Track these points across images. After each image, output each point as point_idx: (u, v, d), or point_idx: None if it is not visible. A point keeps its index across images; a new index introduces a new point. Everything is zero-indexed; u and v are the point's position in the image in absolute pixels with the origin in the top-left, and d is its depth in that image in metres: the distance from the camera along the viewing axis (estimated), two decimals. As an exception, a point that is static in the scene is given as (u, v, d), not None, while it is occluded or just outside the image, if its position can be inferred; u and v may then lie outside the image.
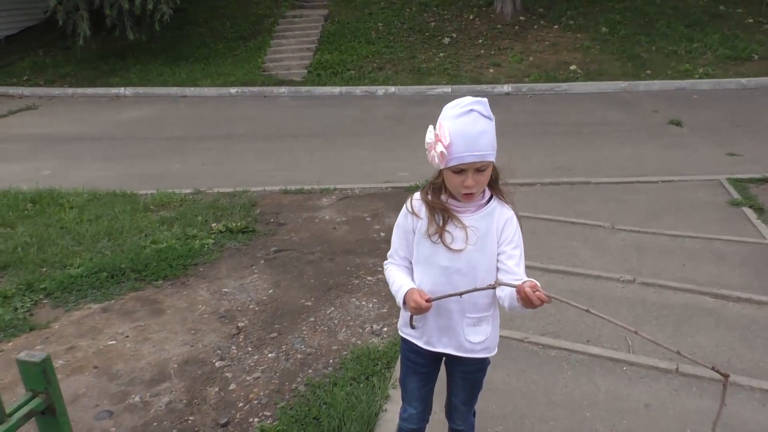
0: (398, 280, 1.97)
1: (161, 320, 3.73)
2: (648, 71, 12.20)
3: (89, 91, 12.45)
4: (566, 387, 2.82)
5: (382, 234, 4.99)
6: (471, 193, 1.85)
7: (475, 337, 2.00)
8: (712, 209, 5.49)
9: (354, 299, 3.93)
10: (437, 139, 1.80)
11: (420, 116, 9.92)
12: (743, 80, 11.59)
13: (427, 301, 1.82)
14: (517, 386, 2.84)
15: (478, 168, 1.79)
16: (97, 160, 7.86)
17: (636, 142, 8.08)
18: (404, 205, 2.01)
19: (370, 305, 3.83)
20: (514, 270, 1.89)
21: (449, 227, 1.91)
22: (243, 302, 3.95)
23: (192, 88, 12.16)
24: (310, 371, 3.16)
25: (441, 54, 13.14)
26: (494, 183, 1.93)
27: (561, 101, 10.97)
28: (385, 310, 3.74)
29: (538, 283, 1.70)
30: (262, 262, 4.56)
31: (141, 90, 12.31)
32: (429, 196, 1.94)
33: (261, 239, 4.98)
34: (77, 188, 6.27)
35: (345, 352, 3.31)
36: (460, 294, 1.80)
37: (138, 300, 3.99)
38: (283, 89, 11.95)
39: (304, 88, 11.94)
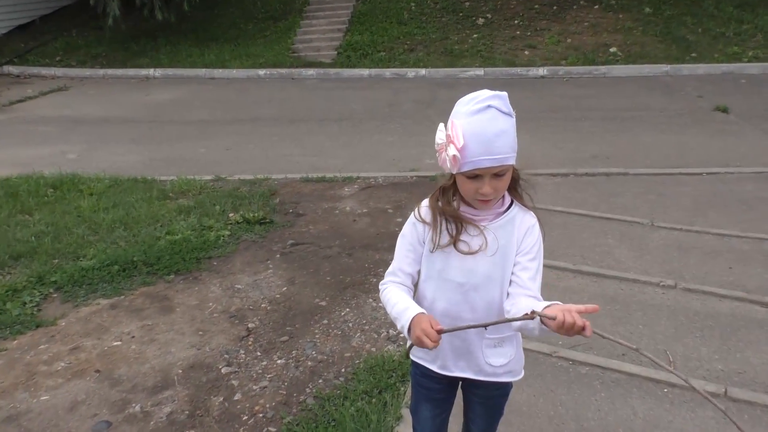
0: (401, 301, 1.69)
1: (170, 319, 3.57)
2: (693, 54, 11.59)
3: (119, 72, 12.41)
4: (599, 411, 2.56)
5: (405, 228, 4.74)
6: (488, 200, 1.61)
7: (496, 359, 1.76)
8: (762, 205, 5.10)
9: (371, 300, 3.70)
10: (449, 140, 1.54)
11: (450, 100, 9.38)
12: (796, 63, 10.92)
13: (438, 332, 1.57)
14: (543, 408, 2.59)
15: (497, 173, 1.56)
16: (123, 143, 7.77)
17: (679, 130, 7.64)
18: (412, 214, 1.76)
19: (388, 307, 3.60)
20: (528, 285, 1.65)
21: (464, 236, 1.67)
22: (255, 300, 3.76)
23: (220, 70, 12.01)
24: (320, 381, 2.96)
25: (475, 35, 12.71)
26: (514, 187, 1.70)
27: (599, 85, 10.50)
28: (403, 314, 3.50)
29: (575, 309, 1.43)
30: (278, 256, 4.37)
31: (170, 71, 12.21)
32: (440, 203, 1.70)
33: (278, 231, 4.79)
34: (99, 174, 6.17)
35: (358, 361, 3.09)
36: (485, 326, 1.55)
37: (148, 296, 3.84)
38: (311, 71, 11.72)
39: (332, 71, 11.69)
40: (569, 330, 1.42)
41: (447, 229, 1.67)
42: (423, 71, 11.39)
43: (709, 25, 12.58)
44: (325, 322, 3.49)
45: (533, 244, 1.68)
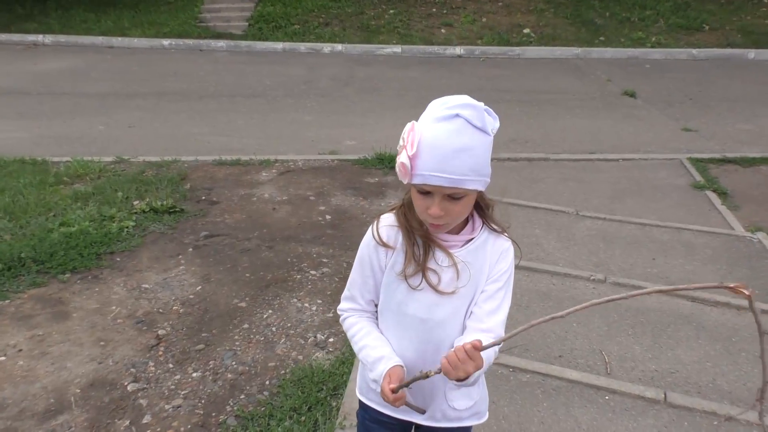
0: (373, 347, 1.46)
1: (65, 327, 3.15)
2: (602, 38, 11.92)
3: (2, 37, 11.24)
4: (542, 424, 2.44)
5: (328, 217, 4.48)
6: (438, 224, 1.36)
7: (461, 402, 1.54)
8: (675, 192, 5.24)
9: (295, 299, 3.43)
10: (403, 144, 1.30)
11: (368, 78, 9.35)
12: (694, 51, 11.47)
13: (393, 391, 1.35)
14: (486, 423, 2.43)
15: (450, 194, 1.30)
16: (7, 119, 6.99)
17: (592, 114, 7.80)
18: (368, 231, 1.48)
19: (314, 308, 3.34)
20: (485, 319, 1.40)
21: (432, 264, 1.41)
22: (165, 302, 3.40)
23: (120, 39, 11.13)
24: (242, 397, 2.67)
25: (391, 11, 12.47)
26: (483, 212, 1.46)
27: (514, 66, 10.58)
28: (330, 315, 3.27)
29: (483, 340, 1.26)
30: (191, 250, 3.99)
31: (62, 38, 11.19)
32: (405, 218, 1.42)
33: (190, 221, 4.39)
34: (-22, 154, 5.48)
35: (284, 371, 2.83)
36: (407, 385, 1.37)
37: (38, 300, 3.38)
38: (221, 43, 11.07)
39: (244, 43, 11.10)
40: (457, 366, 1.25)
41: (414, 253, 1.42)
42: (339, 47, 11.04)
43: (615, 9, 12.98)
44: (246, 326, 3.19)
45: (504, 271, 1.45)
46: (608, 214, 4.63)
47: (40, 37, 11.16)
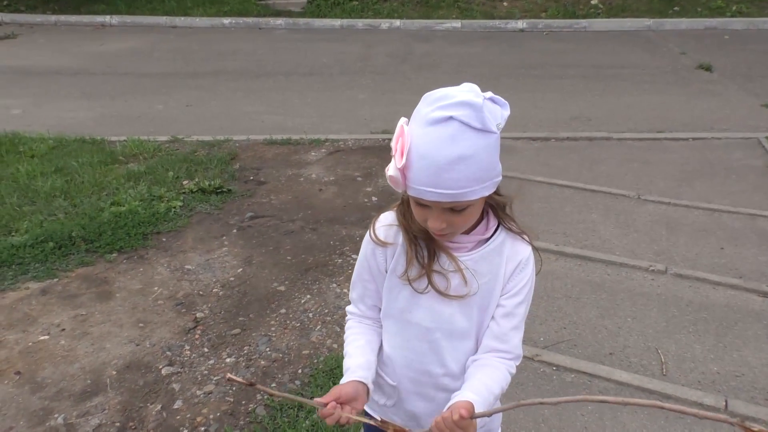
0: (350, 355, 1.34)
1: (107, 307, 3.18)
2: (676, 8, 11.19)
3: (72, 18, 11.56)
4: (586, 429, 2.27)
5: (374, 199, 4.37)
6: (442, 234, 1.20)
7: None
8: (751, 174, 4.83)
9: (334, 284, 3.35)
10: (394, 149, 1.12)
11: (426, 54, 9.11)
12: (781, 20, 10.61)
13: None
14: (524, 426, 2.28)
15: (451, 207, 1.13)
16: (73, 98, 7.18)
17: (662, 89, 7.31)
18: (367, 233, 1.34)
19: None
20: (506, 338, 1.27)
21: (437, 267, 1.26)
22: (206, 284, 3.39)
23: (182, 18, 11.26)
24: (273, 385, 2.62)
25: (452, -16, 12.09)
26: (499, 211, 1.28)
27: (580, 40, 10.07)
28: (369, 303, 3.17)
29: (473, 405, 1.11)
30: (235, 231, 3.97)
31: (128, 19, 11.41)
32: (405, 218, 1.26)
33: (236, 202, 4.38)
34: (42, 133, 5.64)
35: (317, 360, 2.75)
36: None
37: (85, 279, 3.43)
38: (280, 21, 11.04)
39: (302, 20, 11.03)
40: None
41: (417, 254, 1.27)
42: (397, 22, 10.81)
43: (693, -23, 12.13)
44: (283, 311, 3.13)
45: (524, 284, 1.28)
46: (674, 198, 4.32)
47: (107, 18, 11.43)
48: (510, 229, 1.28)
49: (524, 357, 2.63)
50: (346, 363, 1.33)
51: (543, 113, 6.35)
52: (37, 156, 5.18)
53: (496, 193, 1.22)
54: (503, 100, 1.13)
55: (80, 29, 11.20)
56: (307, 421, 2.35)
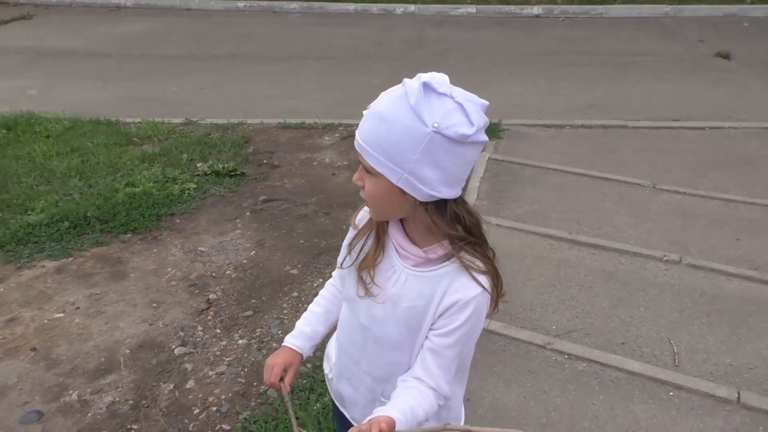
0: (305, 315, 1.48)
1: (121, 287, 3.21)
2: (696, -6, 11.01)
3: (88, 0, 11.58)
4: (597, 418, 2.27)
5: (387, 185, 4.37)
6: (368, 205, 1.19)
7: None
8: (768, 165, 4.77)
9: (347, 269, 3.36)
10: None
11: (440, 39, 9.04)
12: (803, 8, 10.42)
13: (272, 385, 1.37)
14: (534, 413, 2.29)
15: (364, 165, 1.10)
16: (88, 79, 7.21)
17: (679, 77, 7.22)
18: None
19: (365, 279, 3.26)
20: (430, 372, 1.19)
21: (384, 264, 1.20)
22: (219, 266, 3.41)
23: (197, 1, 11.24)
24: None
25: (468, -31, 11.96)
26: (457, 241, 1.13)
27: (596, 26, 9.96)
28: (381, 287, 3.17)
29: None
30: (248, 214, 3.99)
31: (143, 1, 11.41)
32: None
33: (250, 185, 4.39)
34: (58, 114, 5.67)
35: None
36: None
37: (99, 259, 3.46)
38: (294, 5, 11.00)
39: (316, 4, 10.97)
40: None
41: (363, 244, 1.23)
42: (412, 7, 10.73)
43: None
44: (295, 294, 3.15)
45: (457, 327, 1.15)
46: (689, 188, 4.28)
47: (122, 0, 11.43)
48: (466, 265, 1.14)
49: (535, 344, 2.64)
50: (297, 324, 1.45)
51: (558, 100, 6.30)
52: (53, 136, 5.21)
53: (461, 224, 1.11)
54: (476, 119, 1.02)
55: (95, 10, 11.21)
56: (318, 404, 2.37)
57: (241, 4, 11.06)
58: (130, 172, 4.48)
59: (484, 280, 1.14)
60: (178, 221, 3.89)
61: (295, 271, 3.36)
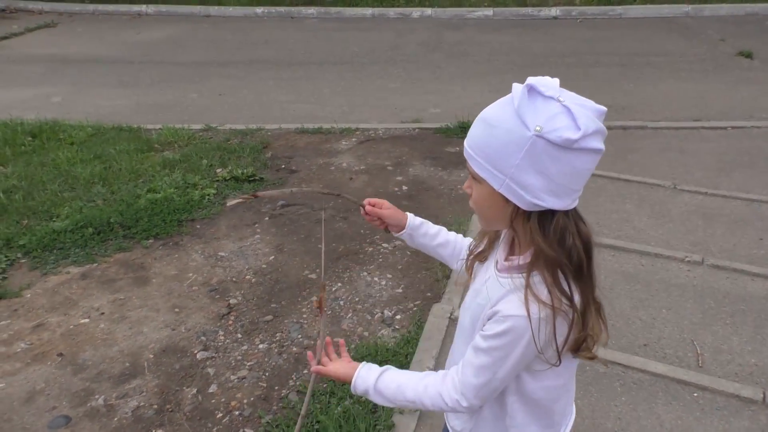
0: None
1: (144, 292, 3.26)
2: (717, -7, 10.87)
3: (110, 7, 11.77)
4: (620, 420, 2.25)
5: (404, 188, 4.38)
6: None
7: (454, 421, 1.37)
8: (792, 165, 4.70)
9: (365, 273, 3.38)
10: None
11: (457, 42, 9.04)
12: (827, 4, 10.24)
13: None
14: (554, 416, 2.28)
15: (471, 172, 1.10)
16: (111, 86, 7.32)
17: (699, 77, 7.14)
18: None
19: (383, 282, 3.27)
20: (463, 376, 1.18)
21: (488, 261, 1.24)
22: (239, 271, 3.44)
23: (216, 7, 11.38)
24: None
25: (485, -29, 11.94)
26: (533, 252, 1.08)
27: (615, 27, 9.88)
28: (399, 291, 3.19)
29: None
30: (267, 219, 4.02)
31: (164, 8, 11.58)
32: None
33: (268, 190, 4.42)
34: (81, 121, 5.76)
35: (348, 348, 2.78)
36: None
37: (123, 264, 3.52)
38: (311, 10, 11.07)
39: (333, 10, 11.04)
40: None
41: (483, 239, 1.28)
42: (429, 11, 10.74)
43: (735, -40, 11.76)
44: (314, 298, 3.17)
45: (492, 336, 1.11)
46: (711, 188, 4.23)
47: (143, 7, 11.60)
48: (527, 284, 1.07)
49: (556, 347, 2.62)
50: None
51: (577, 102, 6.26)
52: (77, 143, 5.30)
53: (563, 243, 1.05)
54: (584, 123, 0.96)
55: (117, 18, 11.40)
56: (339, 408, 2.39)
57: (259, 10, 11.16)
58: (151, 179, 4.55)
59: (534, 308, 1.05)
60: (198, 227, 3.93)
61: (313, 276, 3.38)
